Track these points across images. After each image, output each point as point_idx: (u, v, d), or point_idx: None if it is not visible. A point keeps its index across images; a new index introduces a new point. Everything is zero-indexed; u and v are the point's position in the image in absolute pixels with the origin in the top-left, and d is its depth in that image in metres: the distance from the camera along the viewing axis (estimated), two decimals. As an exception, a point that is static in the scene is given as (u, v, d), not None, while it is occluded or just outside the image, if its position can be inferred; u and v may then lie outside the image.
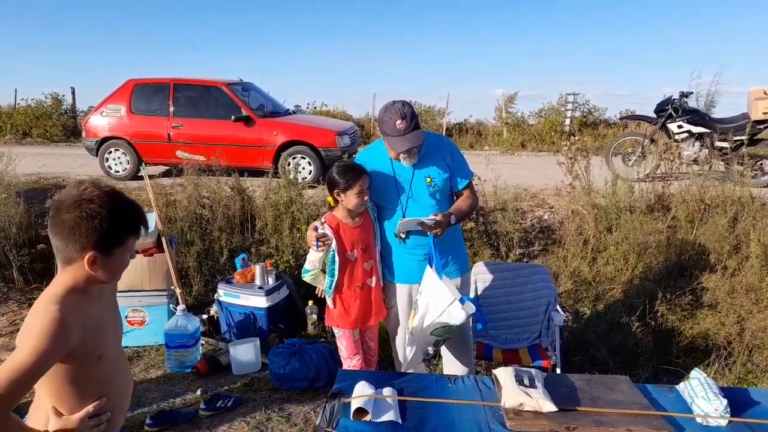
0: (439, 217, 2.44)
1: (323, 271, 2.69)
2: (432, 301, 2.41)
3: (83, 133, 7.74)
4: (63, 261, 1.34)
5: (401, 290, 2.72)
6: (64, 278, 1.35)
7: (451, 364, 2.85)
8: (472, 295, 3.32)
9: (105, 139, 7.46)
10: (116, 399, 1.50)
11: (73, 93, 13.67)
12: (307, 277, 2.73)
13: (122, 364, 1.58)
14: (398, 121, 2.41)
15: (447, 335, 2.51)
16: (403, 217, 2.56)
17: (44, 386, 1.34)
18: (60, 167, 8.02)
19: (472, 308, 2.40)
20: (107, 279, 1.40)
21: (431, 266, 2.45)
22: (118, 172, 7.46)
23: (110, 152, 7.48)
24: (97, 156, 7.54)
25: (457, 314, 2.37)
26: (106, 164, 7.49)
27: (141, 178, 6.91)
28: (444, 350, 2.80)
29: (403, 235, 2.59)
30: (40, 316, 1.27)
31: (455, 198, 2.73)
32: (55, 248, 1.34)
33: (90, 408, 1.39)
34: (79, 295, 1.35)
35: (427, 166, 2.59)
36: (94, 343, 1.37)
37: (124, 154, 7.44)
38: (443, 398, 1.96)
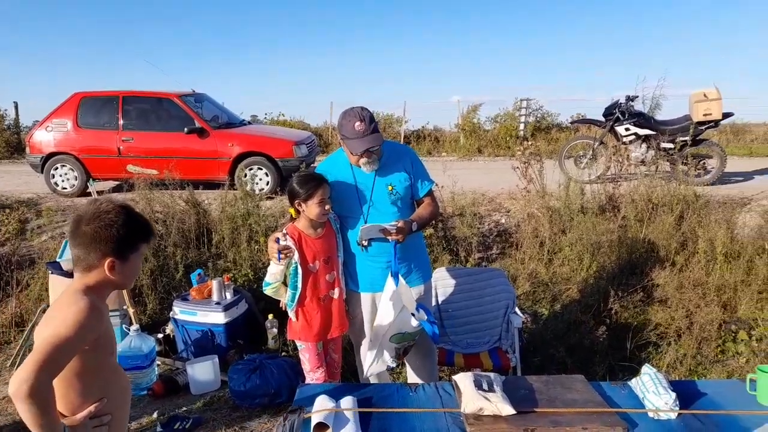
0: (400, 224, 2.44)
1: (285, 283, 2.65)
2: (387, 308, 2.42)
3: (27, 149, 7.44)
4: (83, 269, 1.49)
5: (365, 299, 2.70)
6: (85, 280, 1.49)
7: (414, 372, 2.86)
8: (432, 301, 3.34)
9: (51, 155, 7.19)
10: (118, 401, 1.60)
11: (16, 107, 13.16)
12: (267, 290, 2.68)
13: (121, 372, 1.68)
14: (357, 123, 2.43)
15: (405, 342, 2.51)
16: (365, 224, 2.56)
17: (57, 380, 1.40)
18: (3, 185, 7.66)
19: (423, 317, 2.42)
20: (123, 283, 1.56)
21: (392, 273, 2.46)
22: (65, 188, 7.19)
23: (56, 168, 7.20)
24: (42, 173, 7.24)
25: (407, 322, 2.38)
26: (53, 181, 7.20)
27: (89, 194, 6.69)
28: (407, 358, 2.80)
29: (365, 243, 2.57)
30: (72, 302, 1.42)
31: (416, 206, 2.75)
32: (76, 258, 1.49)
33: (92, 408, 1.49)
34: (98, 297, 1.50)
35: (388, 174, 2.60)
36: (110, 338, 1.55)
37: (72, 169, 7.17)
38: (404, 407, 1.95)
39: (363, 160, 2.51)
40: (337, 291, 2.66)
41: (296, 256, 2.52)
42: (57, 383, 1.41)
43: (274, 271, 2.60)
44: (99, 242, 1.46)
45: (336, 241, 2.66)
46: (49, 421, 1.32)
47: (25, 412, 1.27)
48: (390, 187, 2.58)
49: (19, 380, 1.25)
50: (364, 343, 2.79)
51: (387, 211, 2.59)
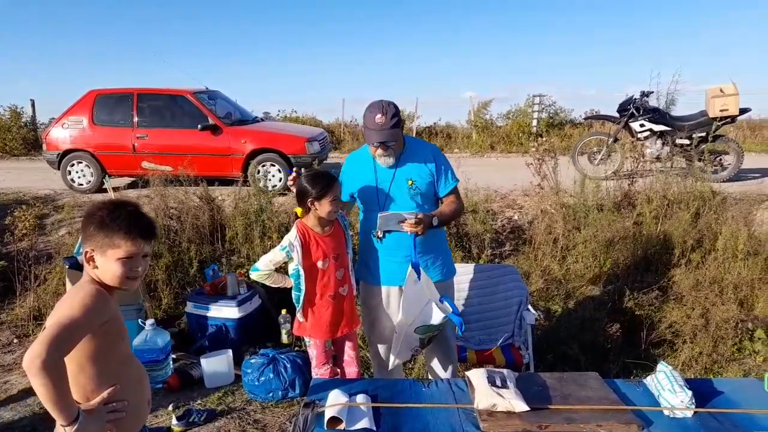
0: (420, 216, 2.45)
1: (278, 270, 2.68)
2: (411, 301, 2.41)
3: (44, 146, 7.51)
4: (85, 262, 1.53)
5: (383, 292, 2.72)
6: (90, 273, 1.53)
7: (434, 365, 2.85)
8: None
9: (67, 152, 7.26)
10: (133, 390, 1.61)
11: (33, 105, 13.27)
12: (254, 275, 2.69)
13: (136, 362, 1.71)
14: (378, 116, 2.45)
15: (430, 333, 2.50)
16: (378, 227, 2.55)
17: (68, 362, 1.40)
18: (21, 182, 7.77)
19: (448, 309, 2.41)
20: (108, 280, 1.51)
21: (413, 265, 2.45)
22: (82, 185, 7.26)
23: (73, 165, 7.27)
24: (59, 169, 7.33)
25: (433, 315, 2.37)
26: (69, 177, 7.28)
27: (105, 190, 6.76)
28: (427, 351, 2.79)
29: (381, 234, 2.57)
30: (78, 290, 1.48)
31: (441, 203, 2.75)
32: None
33: (105, 394, 1.50)
34: (105, 291, 1.52)
35: (409, 169, 2.61)
36: (120, 325, 1.57)
37: (88, 166, 7.25)
38: (417, 402, 1.96)
39: (379, 152, 2.53)
40: (347, 288, 2.67)
41: (297, 259, 2.53)
42: (69, 366, 1.43)
43: (270, 260, 2.61)
44: (83, 232, 1.53)
45: (345, 239, 2.68)
46: (63, 398, 1.35)
47: (39, 387, 1.29)
48: (410, 182, 2.59)
49: (31, 355, 1.28)
50: (380, 338, 2.79)
51: (405, 206, 2.59)
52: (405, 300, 2.44)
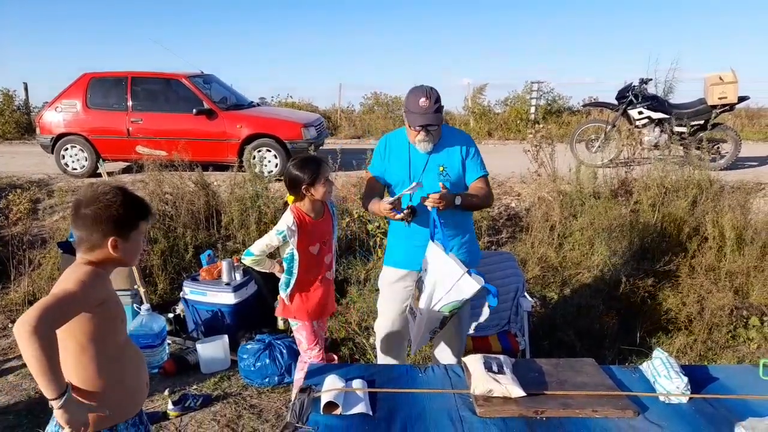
0: (443, 191, 2.42)
1: (270, 256, 2.70)
2: (440, 277, 2.36)
3: (37, 130, 7.46)
4: (87, 249, 1.55)
5: (401, 275, 2.72)
6: (88, 257, 1.55)
7: (443, 348, 2.84)
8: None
9: (61, 136, 7.20)
10: (133, 368, 1.67)
11: (26, 88, 13.15)
12: (248, 260, 2.69)
13: (134, 345, 1.75)
14: (422, 99, 2.47)
15: (455, 310, 2.45)
16: (410, 200, 2.52)
17: (69, 342, 1.47)
18: (14, 166, 7.71)
19: (481, 280, 2.31)
20: (128, 261, 1.63)
21: (433, 240, 2.42)
22: (76, 169, 7.21)
23: (66, 149, 7.22)
24: (52, 153, 7.27)
25: (467, 287, 2.29)
26: (63, 161, 7.23)
27: (99, 175, 6.72)
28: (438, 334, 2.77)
29: (409, 218, 2.51)
30: (74, 270, 1.51)
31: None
32: (79, 239, 1.56)
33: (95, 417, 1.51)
34: (102, 271, 1.56)
35: (442, 156, 2.61)
36: (119, 308, 1.61)
37: (82, 150, 7.19)
38: (413, 388, 1.96)
39: (420, 137, 2.52)
40: (332, 272, 2.76)
41: (294, 242, 2.53)
42: (71, 346, 1.48)
43: (266, 243, 2.60)
44: (100, 223, 1.53)
45: (332, 224, 2.71)
46: (52, 369, 1.33)
47: (27, 350, 1.28)
48: (442, 168, 2.59)
49: (22, 320, 1.29)
50: (387, 319, 2.79)
51: (434, 191, 2.56)
52: (431, 278, 2.38)
